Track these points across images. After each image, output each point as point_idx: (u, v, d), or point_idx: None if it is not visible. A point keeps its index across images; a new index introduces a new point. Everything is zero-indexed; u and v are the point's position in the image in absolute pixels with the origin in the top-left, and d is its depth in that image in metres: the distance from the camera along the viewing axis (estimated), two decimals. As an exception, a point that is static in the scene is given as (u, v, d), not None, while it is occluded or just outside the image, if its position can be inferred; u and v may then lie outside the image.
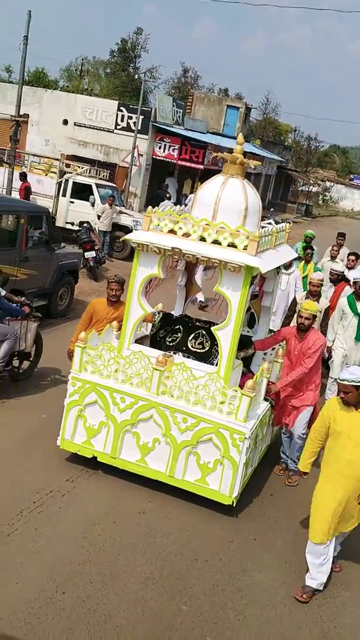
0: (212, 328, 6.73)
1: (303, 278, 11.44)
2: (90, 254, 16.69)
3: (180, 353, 7.30)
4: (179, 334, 7.54)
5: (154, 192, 27.37)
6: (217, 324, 6.92)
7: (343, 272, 11.38)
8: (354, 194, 73.70)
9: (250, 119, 47.83)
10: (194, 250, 6.45)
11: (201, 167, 29.08)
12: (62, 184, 20.50)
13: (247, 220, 6.84)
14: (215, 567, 5.89)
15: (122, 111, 29.21)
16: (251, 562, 6.08)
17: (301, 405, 7.49)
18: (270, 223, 7.85)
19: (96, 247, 17.21)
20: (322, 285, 9.97)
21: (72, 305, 13.63)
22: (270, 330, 8.50)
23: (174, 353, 7.28)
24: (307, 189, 58.80)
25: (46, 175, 21.29)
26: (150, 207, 6.91)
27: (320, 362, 7.60)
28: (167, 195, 25.01)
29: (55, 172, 20.94)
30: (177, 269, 8.24)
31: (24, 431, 7.73)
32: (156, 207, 6.90)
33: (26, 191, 19.12)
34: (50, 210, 17.08)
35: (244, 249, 6.42)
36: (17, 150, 20.08)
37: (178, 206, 7.64)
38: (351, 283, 9.80)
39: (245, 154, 7.35)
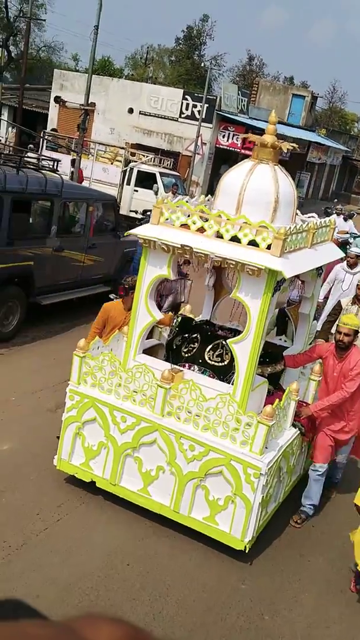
0: (229, 341, 5.57)
1: None
2: None
3: (195, 366, 6.18)
4: (196, 343, 6.40)
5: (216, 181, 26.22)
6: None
7: None
8: None
9: (315, 108, 45.81)
10: (207, 249, 5.31)
11: (265, 156, 27.59)
12: (127, 173, 20.10)
13: (278, 213, 5.66)
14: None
15: (187, 99, 28.10)
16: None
17: (345, 439, 6.29)
18: (313, 217, 6.54)
19: None
20: None
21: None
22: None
23: (189, 366, 6.17)
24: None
25: (112, 163, 20.97)
26: (162, 195, 5.80)
27: None
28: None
29: (120, 161, 20.61)
30: (204, 267, 7.08)
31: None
32: (168, 197, 5.75)
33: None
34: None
35: (267, 248, 5.24)
36: (84, 139, 19.89)
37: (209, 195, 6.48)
38: None
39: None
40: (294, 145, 6.66)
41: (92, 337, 6.72)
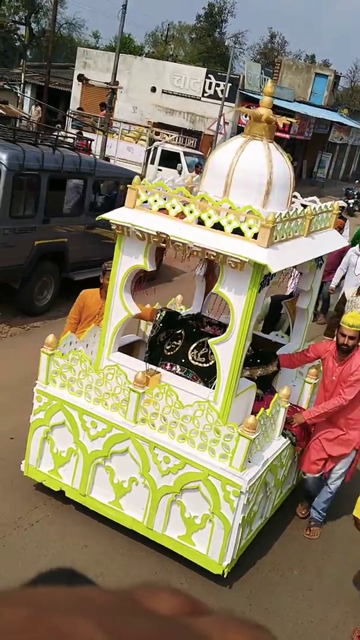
0: (210, 341, 4.84)
1: None
2: None
3: (178, 366, 5.46)
4: (180, 340, 5.67)
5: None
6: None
7: None
8: None
9: (338, 88, 44.17)
10: (186, 237, 4.57)
11: (287, 136, 26.56)
12: (151, 152, 19.72)
13: (271, 197, 4.90)
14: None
15: (210, 78, 27.18)
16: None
17: (341, 454, 5.52)
18: (314, 201, 5.77)
19: None
20: None
21: (160, 270, 12.58)
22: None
23: (171, 366, 5.47)
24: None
25: (136, 142, 20.69)
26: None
27: None
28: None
29: (145, 140, 20.36)
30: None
31: None
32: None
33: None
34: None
35: (253, 237, 4.49)
36: (111, 118, 19.52)
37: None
38: None
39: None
40: (292, 120, 5.86)
41: (69, 327, 6.06)
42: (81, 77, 29.16)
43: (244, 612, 4.69)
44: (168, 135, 21.57)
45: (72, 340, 5.58)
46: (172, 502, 4.88)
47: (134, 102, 28.63)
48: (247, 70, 27.31)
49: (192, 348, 5.51)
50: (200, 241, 4.52)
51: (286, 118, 5.26)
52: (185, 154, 19.74)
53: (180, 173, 18.40)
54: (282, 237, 4.68)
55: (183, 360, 5.46)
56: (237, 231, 4.53)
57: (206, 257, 4.64)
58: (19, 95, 24.10)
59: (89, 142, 10.78)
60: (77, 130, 18.15)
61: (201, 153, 21.74)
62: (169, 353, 5.60)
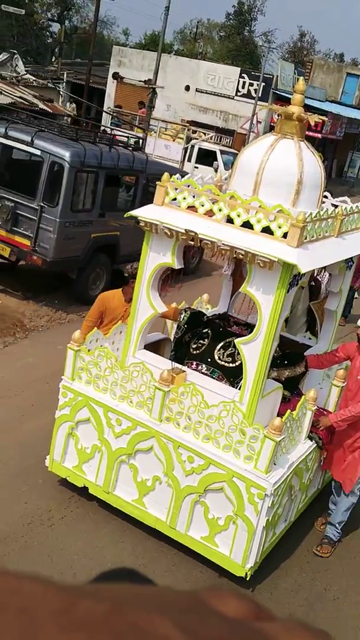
0: (237, 340, 4.72)
1: None
2: None
3: (204, 365, 5.34)
4: (206, 339, 5.55)
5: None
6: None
7: None
8: None
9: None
10: (214, 235, 4.45)
11: (319, 135, 26.18)
12: (188, 150, 19.89)
13: (301, 197, 4.76)
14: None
15: (243, 78, 26.97)
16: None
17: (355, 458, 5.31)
18: (344, 201, 5.59)
19: None
20: None
21: (201, 264, 12.76)
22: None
23: (197, 365, 5.35)
24: None
25: (174, 140, 20.76)
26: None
27: None
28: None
29: (182, 138, 20.55)
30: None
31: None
32: (175, 175, 4.89)
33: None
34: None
35: (283, 236, 4.35)
36: (151, 117, 19.67)
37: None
38: None
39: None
40: (323, 117, 5.69)
41: (86, 330, 5.88)
42: (116, 75, 29.11)
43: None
44: (205, 134, 21.71)
45: (98, 337, 5.49)
46: (195, 502, 4.77)
47: (168, 101, 28.48)
48: (280, 70, 26.99)
49: (218, 347, 5.39)
50: (229, 240, 4.40)
51: (317, 116, 5.11)
52: (222, 152, 19.93)
53: (216, 171, 18.50)
54: (312, 237, 4.53)
55: (209, 360, 5.34)
56: (267, 230, 4.40)
57: (234, 256, 4.52)
58: (61, 93, 24.16)
59: (141, 140, 11.05)
60: (127, 130, 18.29)
61: (236, 152, 21.66)
62: (195, 352, 5.48)
